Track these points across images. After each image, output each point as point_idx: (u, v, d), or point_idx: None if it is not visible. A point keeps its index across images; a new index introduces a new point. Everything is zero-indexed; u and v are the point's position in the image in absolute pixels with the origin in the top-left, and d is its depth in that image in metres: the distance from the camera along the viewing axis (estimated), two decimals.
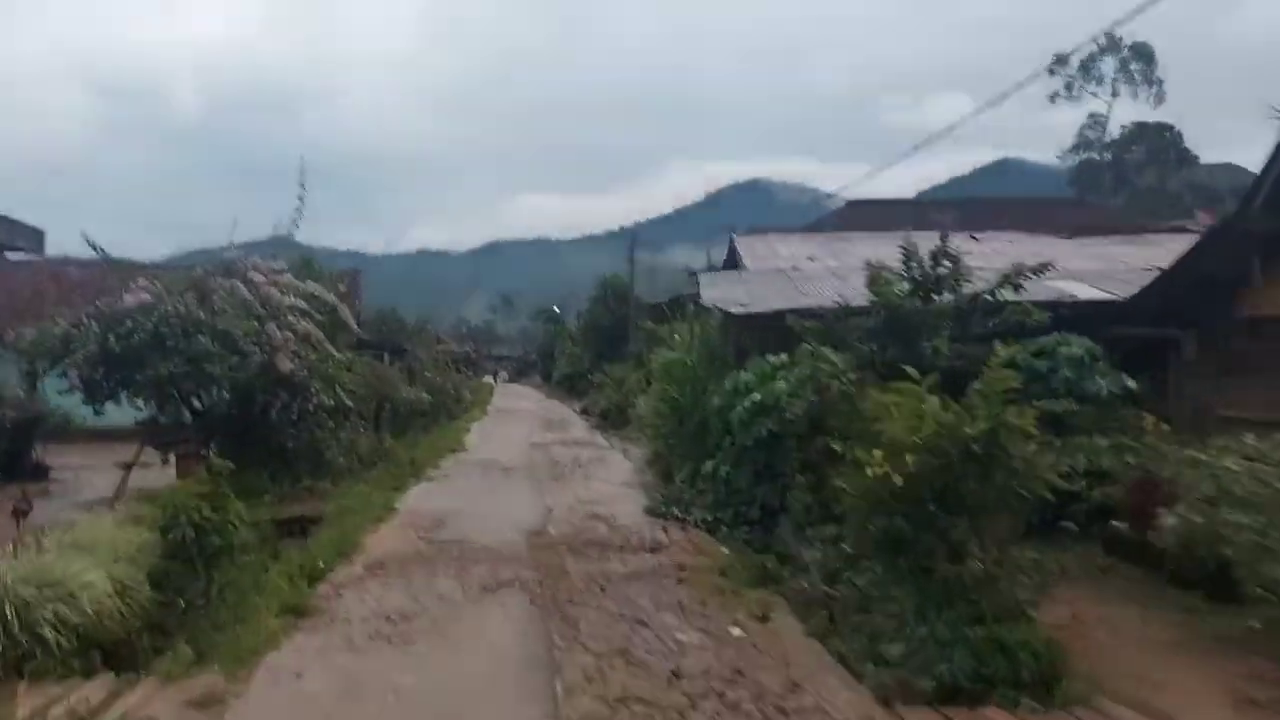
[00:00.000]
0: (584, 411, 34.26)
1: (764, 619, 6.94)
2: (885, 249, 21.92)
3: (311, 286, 14.68)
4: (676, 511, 11.12)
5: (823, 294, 14.43)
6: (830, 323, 10.32)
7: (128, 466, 13.46)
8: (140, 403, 13.79)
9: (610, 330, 35.49)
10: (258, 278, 13.59)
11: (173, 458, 13.36)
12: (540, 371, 73.45)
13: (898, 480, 6.32)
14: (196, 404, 13.54)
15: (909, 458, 6.36)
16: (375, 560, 8.71)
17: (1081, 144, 71.68)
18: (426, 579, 8.02)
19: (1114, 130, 70.18)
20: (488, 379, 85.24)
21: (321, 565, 8.08)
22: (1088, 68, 69.26)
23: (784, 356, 11.16)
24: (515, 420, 29.61)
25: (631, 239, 35.97)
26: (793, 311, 11.58)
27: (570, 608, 7.21)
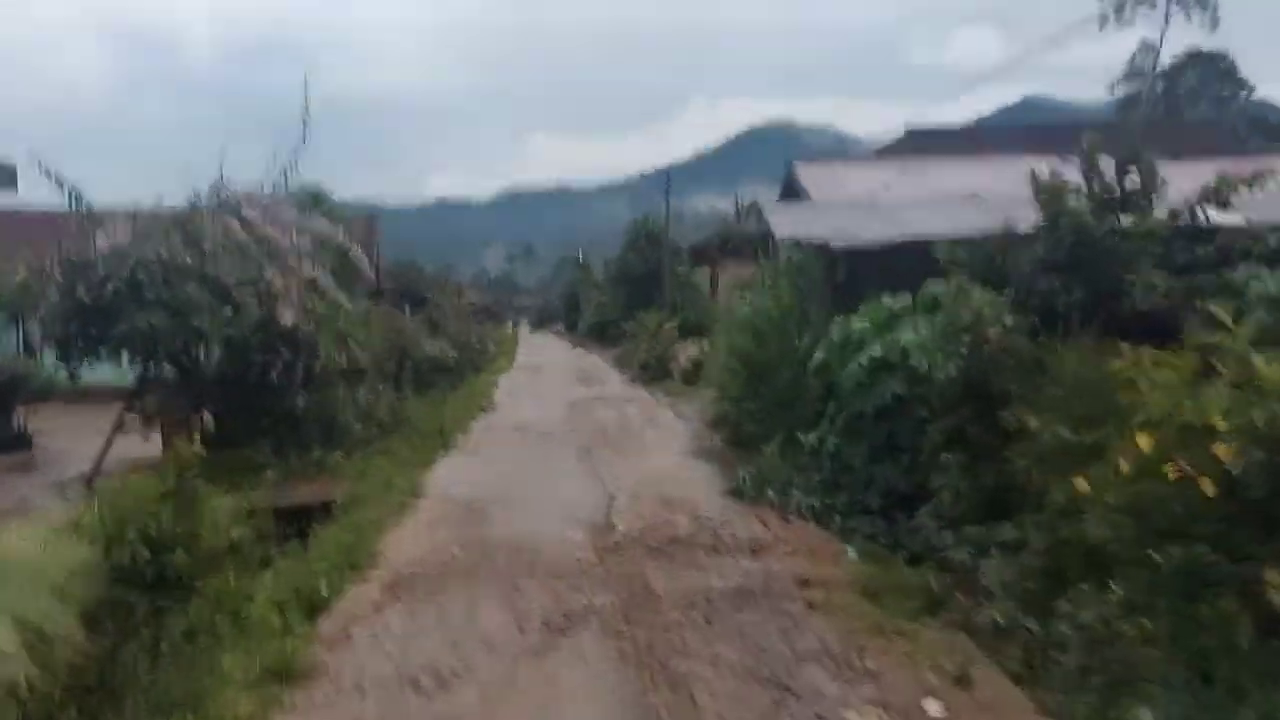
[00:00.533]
0: (618, 363, 32.04)
1: (963, 680, 4.71)
2: (972, 176, 19.35)
3: (319, 225, 12.37)
4: (772, 495, 8.85)
5: (927, 224, 11.98)
6: (987, 253, 7.92)
7: (110, 437, 11.39)
8: (126, 363, 11.70)
9: (643, 277, 33.05)
10: (251, 213, 11.29)
11: (159, 427, 11.27)
12: (564, 321, 71.16)
13: (1207, 488, 4.00)
14: (185, 363, 11.39)
15: (1223, 451, 4.02)
16: (397, 575, 6.51)
17: (1133, 73, 67.36)
18: (466, 608, 5.83)
19: (1163, 60, 65.84)
20: (510, 329, 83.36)
21: (325, 591, 5.89)
22: None
23: (903, 299, 8.79)
24: (546, 374, 27.41)
25: (666, 178, 33.21)
26: (913, 241, 9.17)
27: (675, 659, 5.00)
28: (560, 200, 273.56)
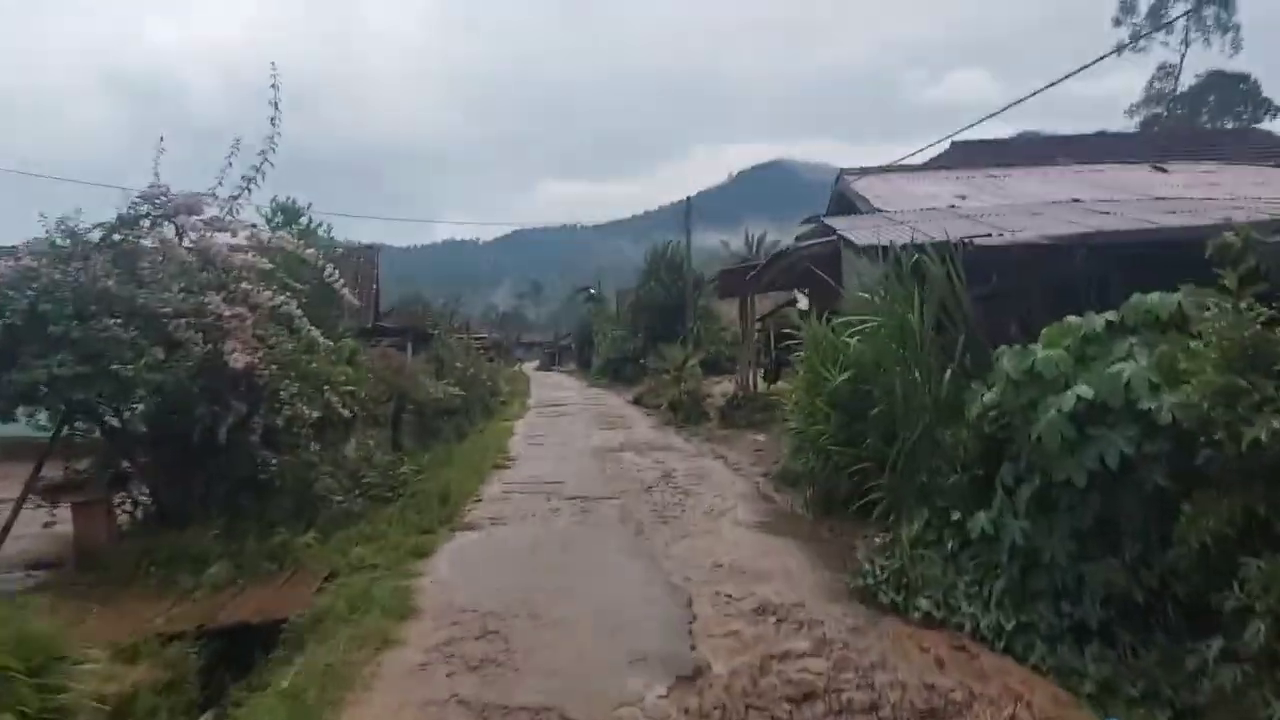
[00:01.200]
0: (638, 402, 29.22)
1: None
2: (1051, 185, 16.67)
3: (283, 241, 9.68)
4: (926, 606, 6.00)
5: (1068, 225, 9.33)
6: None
7: (9, 519, 8.59)
8: (43, 417, 8.97)
9: (664, 308, 30.45)
10: (192, 221, 8.62)
11: (68, 506, 8.47)
12: (576, 358, 68.44)
13: None
14: (108, 419, 8.66)
15: None
16: None
17: (1152, 98, 65.26)
18: None
19: (1184, 83, 63.79)
20: (520, 367, 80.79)
21: None
22: (1157, 13, 62.66)
23: (1110, 318, 6.01)
24: (565, 417, 24.68)
25: (687, 205, 30.75)
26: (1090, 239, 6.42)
27: None
28: (566, 237, 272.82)
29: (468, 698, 4.75)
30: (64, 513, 8.43)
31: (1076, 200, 13.60)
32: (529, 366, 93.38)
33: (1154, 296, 5.86)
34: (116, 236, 8.62)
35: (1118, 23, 61.40)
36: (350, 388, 10.26)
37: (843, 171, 18.07)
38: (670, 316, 29.64)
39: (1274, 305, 4.94)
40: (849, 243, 10.50)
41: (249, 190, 8.85)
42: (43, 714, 4.05)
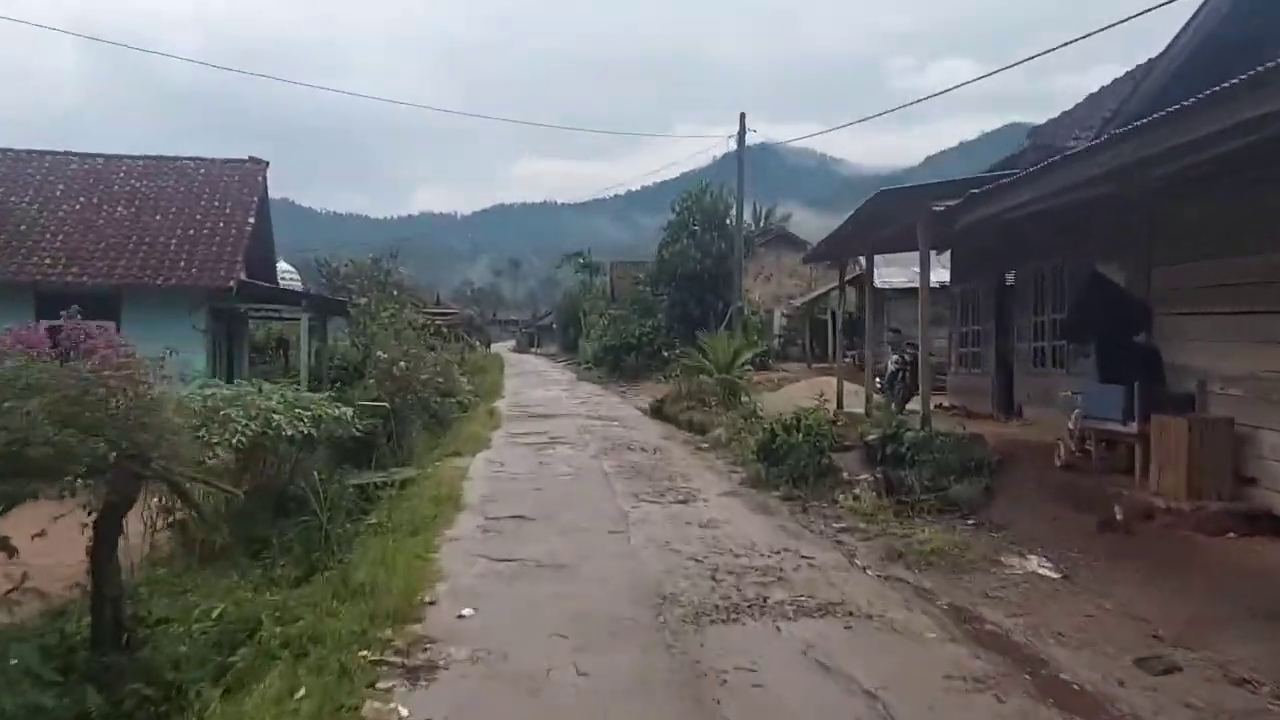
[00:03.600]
0: (662, 414, 19.46)
1: None
2: None
3: None
4: None
5: None
6: None
7: None
8: None
9: (698, 278, 20.55)
10: None
11: None
12: (559, 340, 58.45)
13: None
14: None
15: None
16: None
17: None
18: None
19: None
20: (495, 349, 70.55)
21: None
22: None
23: None
24: (557, 447, 14.82)
25: (740, 122, 20.66)
26: None
27: None
28: (546, 214, 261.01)
29: None
30: None
31: None
32: (505, 347, 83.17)
33: None
34: None
35: None
36: None
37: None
38: (707, 289, 19.90)
39: None
40: None
41: None
42: None
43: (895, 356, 14.36)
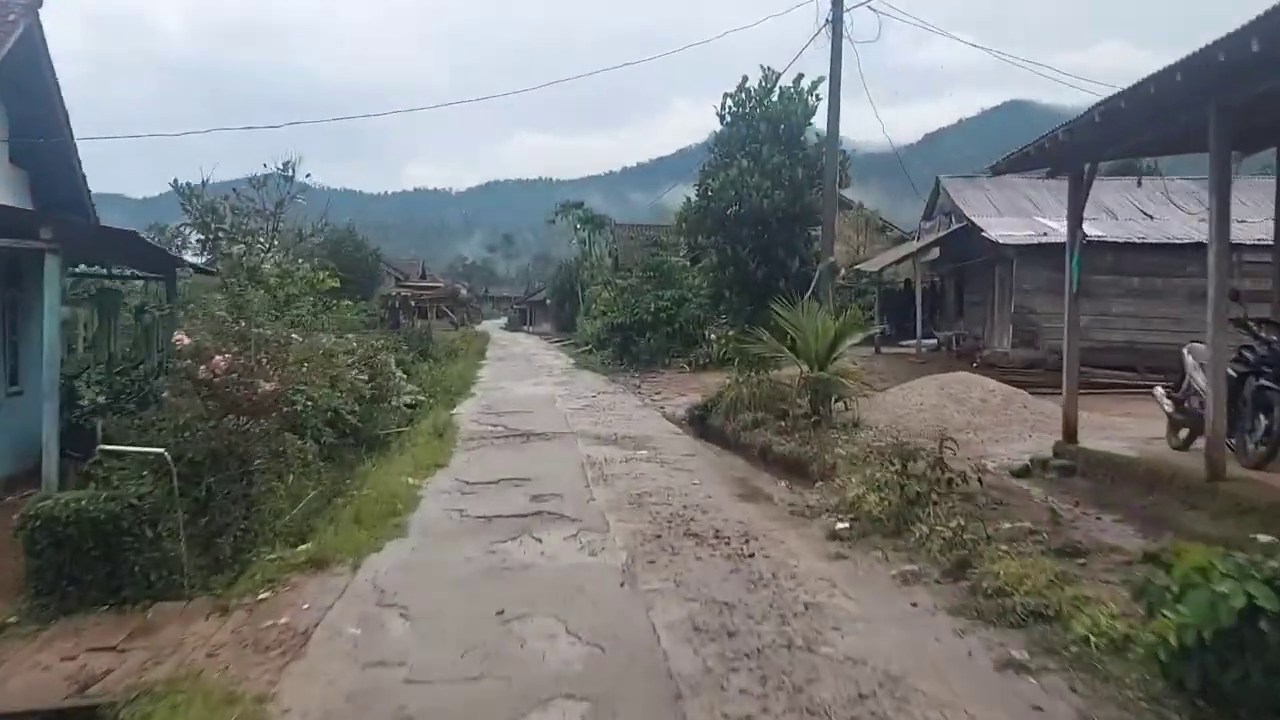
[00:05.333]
0: (709, 428, 12.17)
1: None
2: None
3: None
4: None
5: None
6: None
7: None
8: None
9: (763, 219, 12.76)
10: None
11: None
12: (553, 317, 50.95)
13: None
14: None
15: None
16: None
17: None
18: None
19: None
20: (481, 327, 63.04)
21: None
22: None
23: None
24: (539, 494, 7.49)
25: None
26: None
27: None
28: (540, 190, 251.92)
29: None
30: None
31: None
32: (495, 325, 75.51)
33: None
34: None
35: None
36: None
37: None
38: (777, 239, 12.42)
39: None
40: None
41: None
42: None
43: (1239, 350, 6.83)
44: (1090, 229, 18.59)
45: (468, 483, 8.59)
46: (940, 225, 20.84)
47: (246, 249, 11.77)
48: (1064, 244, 10.55)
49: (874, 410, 11.68)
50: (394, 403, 12.72)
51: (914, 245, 20.03)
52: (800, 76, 13.40)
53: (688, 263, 26.66)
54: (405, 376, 14.35)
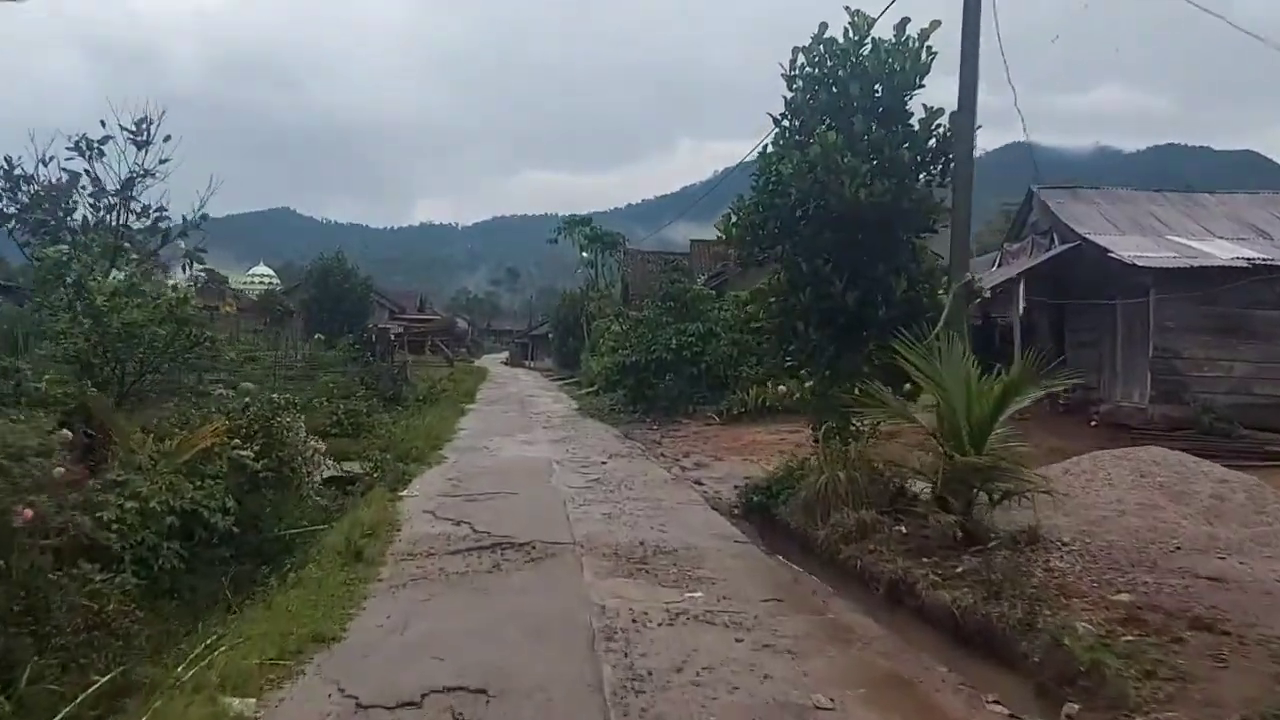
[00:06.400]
0: (781, 532, 7.79)
1: None
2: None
3: None
4: None
5: None
6: None
7: None
8: None
9: (862, 219, 8.62)
10: None
11: None
12: (555, 352, 46.61)
13: None
14: None
15: None
16: None
17: None
18: None
19: None
20: (481, 361, 58.94)
21: None
22: None
23: None
24: None
25: None
26: None
27: None
28: (545, 225, 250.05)
29: None
30: None
31: None
32: (496, 360, 71.23)
33: None
34: None
35: None
36: None
37: None
38: (877, 246, 8.27)
39: None
40: None
41: None
42: None
43: None
44: (1244, 250, 14.31)
45: (359, 705, 4.16)
46: (1035, 246, 16.56)
47: (71, 251, 7.52)
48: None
49: (1041, 507, 7.29)
50: (307, 486, 8.32)
51: (1025, 262, 15.70)
52: (905, 20, 9.14)
53: (712, 291, 22.44)
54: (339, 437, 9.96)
